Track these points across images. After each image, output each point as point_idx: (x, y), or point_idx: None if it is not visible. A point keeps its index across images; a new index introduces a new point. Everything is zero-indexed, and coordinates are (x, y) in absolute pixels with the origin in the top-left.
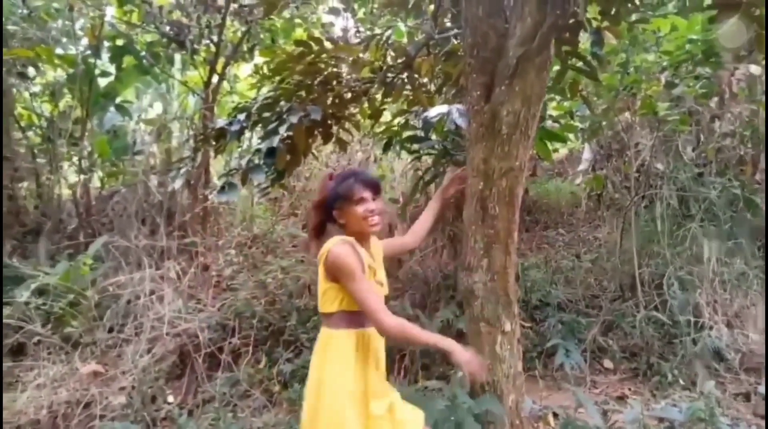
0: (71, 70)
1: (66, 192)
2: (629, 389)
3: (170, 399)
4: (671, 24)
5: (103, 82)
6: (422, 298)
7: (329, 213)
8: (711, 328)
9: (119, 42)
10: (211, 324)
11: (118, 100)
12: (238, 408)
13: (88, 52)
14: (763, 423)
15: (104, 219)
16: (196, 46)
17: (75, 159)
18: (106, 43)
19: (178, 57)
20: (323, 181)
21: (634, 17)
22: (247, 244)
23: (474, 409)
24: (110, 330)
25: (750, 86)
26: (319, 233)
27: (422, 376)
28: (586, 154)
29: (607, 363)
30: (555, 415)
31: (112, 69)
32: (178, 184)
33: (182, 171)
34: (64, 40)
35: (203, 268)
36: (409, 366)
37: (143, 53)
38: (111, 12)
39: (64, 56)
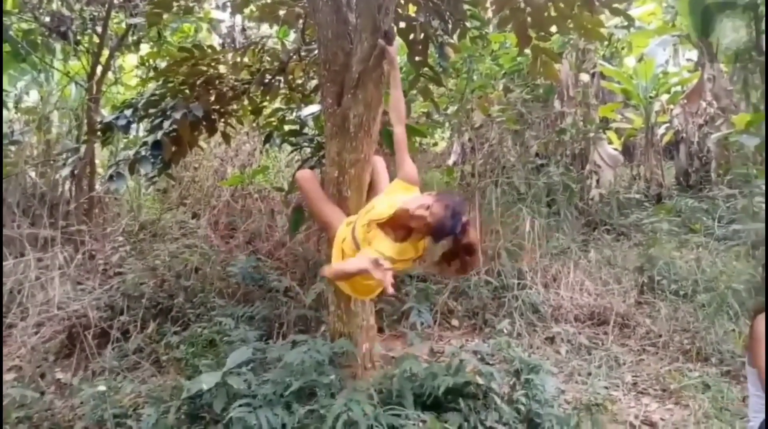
0: None
1: None
2: (466, 340)
3: (59, 375)
4: (501, 40)
5: None
6: (302, 274)
7: None
8: (531, 288)
9: None
10: (99, 305)
11: None
12: (127, 378)
13: None
14: (557, 355)
15: None
16: (78, 37)
17: None
18: None
19: (58, 46)
20: None
21: (476, 33)
22: (134, 231)
23: (330, 352)
24: None
25: (584, 92)
26: None
27: (294, 332)
28: (456, 148)
29: (454, 321)
30: None
31: None
32: (64, 173)
33: (69, 161)
34: None
35: (90, 255)
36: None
37: (20, 41)
38: None
39: None
